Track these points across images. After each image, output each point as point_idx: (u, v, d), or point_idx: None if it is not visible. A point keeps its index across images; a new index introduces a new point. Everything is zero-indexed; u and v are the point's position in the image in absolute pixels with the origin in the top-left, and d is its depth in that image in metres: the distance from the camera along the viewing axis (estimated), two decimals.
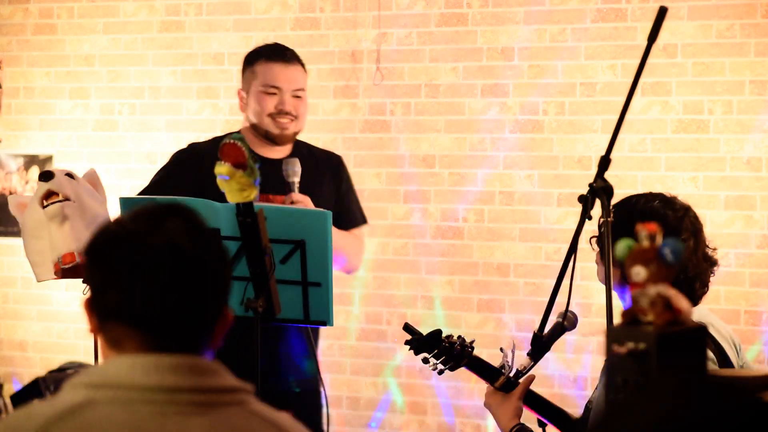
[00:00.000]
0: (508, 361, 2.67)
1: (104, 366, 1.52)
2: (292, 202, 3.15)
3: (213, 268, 1.57)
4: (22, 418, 1.51)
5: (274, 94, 3.35)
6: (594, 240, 2.58)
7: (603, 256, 2.55)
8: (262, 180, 2.77)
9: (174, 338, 1.53)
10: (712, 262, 2.62)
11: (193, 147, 3.51)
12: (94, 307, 1.57)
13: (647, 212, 2.51)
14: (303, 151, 3.48)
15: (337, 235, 3.27)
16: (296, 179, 3.22)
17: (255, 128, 3.42)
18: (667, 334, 1.43)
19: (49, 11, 5.71)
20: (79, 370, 4.95)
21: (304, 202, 3.18)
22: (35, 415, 1.48)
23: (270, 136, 3.39)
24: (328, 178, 3.50)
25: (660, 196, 2.62)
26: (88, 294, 1.58)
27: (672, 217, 2.53)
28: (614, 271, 2.48)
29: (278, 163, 3.33)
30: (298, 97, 3.37)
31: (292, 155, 3.40)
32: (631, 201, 2.61)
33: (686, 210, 2.59)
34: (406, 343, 2.74)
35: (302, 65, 3.46)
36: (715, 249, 2.63)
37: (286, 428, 1.58)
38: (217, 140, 3.43)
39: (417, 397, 5.19)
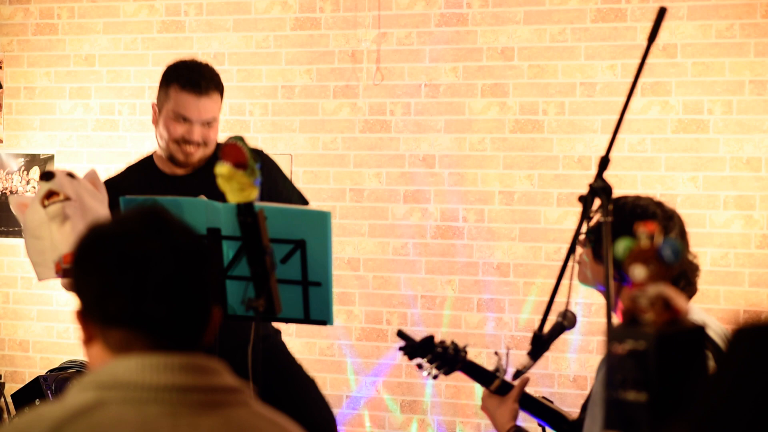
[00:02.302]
0: (502, 365, 2.69)
1: (112, 366, 1.50)
2: None
3: (208, 265, 1.58)
4: (32, 420, 1.48)
5: (183, 122, 3.23)
6: (585, 238, 2.56)
7: (596, 257, 2.56)
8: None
9: (178, 337, 1.54)
10: (694, 267, 2.62)
11: (107, 183, 3.27)
12: (91, 315, 1.55)
13: (638, 211, 2.53)
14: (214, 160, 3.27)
15: None
16: None
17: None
18: (667, 334, 1.44)
19: (49, 11, 5.71)
20: (83, 370, 4.96)
21: None
22: (45, 417, 1.46)
23: (173, 160, 3.30)
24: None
25: (649, 198, 2.63)
26: (81, 304, 1.55)
27: (661, 215, 2.55)
28: (600, 269, 2.50)
29: (185, 178, 3.27)
30: (208, 124, 3.25)
31: (204, 167, 3.29)
32: (619, 202, 2.62)
33: (673, 211, 2.61)
34: (400, 349, 2.77)
35: (218, 91, 3.27)
36: (696, 256, 2.64)
37: (289, 429, 1.60)
38: (126, 171, 3.37)
39: (417, 397, 5.19)
